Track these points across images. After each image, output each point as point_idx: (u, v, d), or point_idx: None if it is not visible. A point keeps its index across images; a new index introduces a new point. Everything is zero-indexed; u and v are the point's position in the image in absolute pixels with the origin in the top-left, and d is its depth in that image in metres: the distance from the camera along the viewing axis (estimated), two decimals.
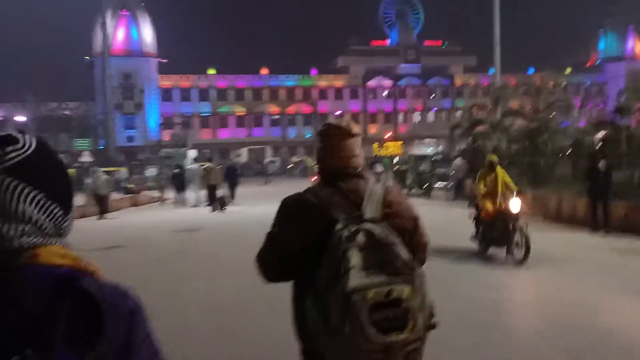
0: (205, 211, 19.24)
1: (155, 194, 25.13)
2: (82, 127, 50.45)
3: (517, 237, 8.85)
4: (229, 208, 19.48)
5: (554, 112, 18.29)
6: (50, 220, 1.03)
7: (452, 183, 20.92)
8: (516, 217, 8.96)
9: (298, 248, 1.94)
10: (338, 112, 70.72)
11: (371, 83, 72.29)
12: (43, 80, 68.87)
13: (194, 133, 61.72)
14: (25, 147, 1.02)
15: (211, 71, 67.08)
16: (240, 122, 67.73)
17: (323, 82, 70.87)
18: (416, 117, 73.37)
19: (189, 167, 23.46)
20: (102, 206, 19.39)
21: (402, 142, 66.76)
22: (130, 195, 25.34)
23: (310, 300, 1.83)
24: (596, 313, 6.27)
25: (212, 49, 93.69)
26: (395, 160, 33.18)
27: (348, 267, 1.72)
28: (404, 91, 73.19)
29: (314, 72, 70.97)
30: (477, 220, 9.74)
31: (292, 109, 69.21)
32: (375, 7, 78.48)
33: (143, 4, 62.24)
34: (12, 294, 0.91)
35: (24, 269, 0.94)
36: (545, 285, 7.76)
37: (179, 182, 21.74)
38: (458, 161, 20.75)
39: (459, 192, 20.33)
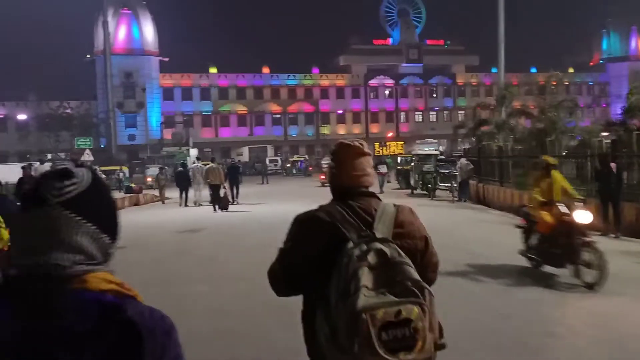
0: (207, 210, 19.13)
1: (157, 193, 24.96)
2: (83, 125, 50.37)
3: (586, 255, 7.32)
4: (231, 207, 19.39)
5: (561, 112, 18.08)
6: (99, 248, 1.13)
7: (456, 183, 20.71)
8: (584, 230, 7.57)
9: (308, 264, 1.98)
10: (339, 112, 70.69)
11: (373, 82, 72.23)
12: (44, 79, 68.80)
13: (195, 132, 61.66)
14: (82, 182, 1.13)
15: (212, 70, 67.05)
16: (242, 121, 67.65)
17: (324, 81, 70.79)
18: (418, 116, 73.24)
19: (193, 165, 23.34)
20: None
21: (403, 141, 66.65)
22: (132, 194, 25.15)
23: (321, 316, 1.86)
24: None
25: (214, 48, 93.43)
26: (399, 160, 32.99)
27: (358, 286, 1.74)
28: (405, 90, 73.11)
29: (315, 71, 70.92)
30: (527, 232, 8.31)
31: (293, 108, 69.14)
32: (377, 6, 78.54)
33: (144, 3, 62.16)
34: (62, 315, 1.02)
35: (73, 293, 1.05)
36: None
37: (183, 181, 21.68)
38: (463, 161, 20.56)
39: (463, 192, 20.16)
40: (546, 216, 7.74)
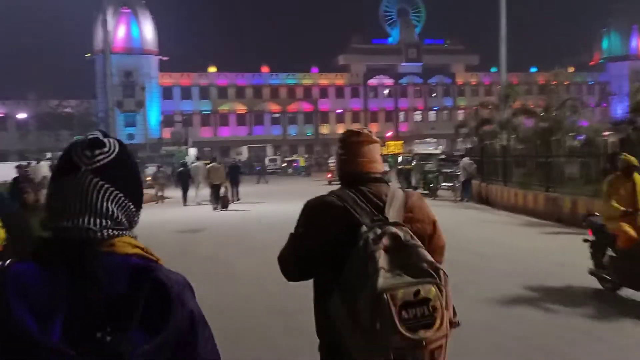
0: (208, 210, 19.04)
1: (155, 192, 24.79)
2: (83, 124, 50.14)
3: None
4: (232, 207, 19.34)
5: (567, 111, 17.92)
6: (125, 215, 1.19)
7: (459, 183, 20.56)
8: None
9: (320, 248, 2.01)
10: (339, 111, 70.57)
11: (372, 81, 72.11)
12: (44, 78, 68.92)
13: (194, 131, 61.50)
14: (111, 151, 1.18)
15: (212, 69, 66.91)
16: (241, 120, 67.52)
17: (324, 81, 70.65)
18: (417, 116, 73.13)
19: (193, 164, 23.25)
20: None
21: (402, 141, 66.52)
22: None
23: (336, 301, 1.88)
24: None
25: (213, 47, 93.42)
26: (399, 159, 32.80)
27: (377, 267, 1.77)
28: (405, 90, 73.02)
29: (314, 70, 70.79)
30: (599, 247, 6.98)
31: (293, 107, 69.02)
32: (376, 6, 78.31)
33: (144, 2, 61.97)
34: (96, 278, 1.06)
35: (103, 256, 1.10)
36: None
37: (184, 180, 21.62)
38: (465, 160, 20.39)
39: (466, 192, 20.02)
40: (629, 229, 6.40)
